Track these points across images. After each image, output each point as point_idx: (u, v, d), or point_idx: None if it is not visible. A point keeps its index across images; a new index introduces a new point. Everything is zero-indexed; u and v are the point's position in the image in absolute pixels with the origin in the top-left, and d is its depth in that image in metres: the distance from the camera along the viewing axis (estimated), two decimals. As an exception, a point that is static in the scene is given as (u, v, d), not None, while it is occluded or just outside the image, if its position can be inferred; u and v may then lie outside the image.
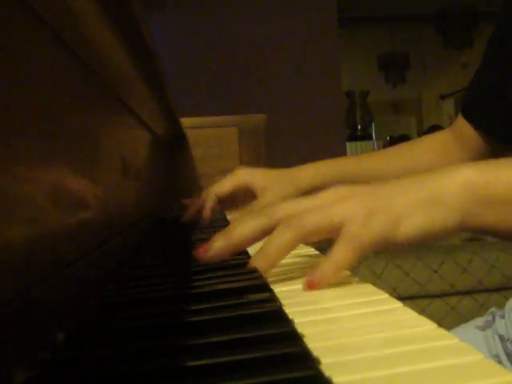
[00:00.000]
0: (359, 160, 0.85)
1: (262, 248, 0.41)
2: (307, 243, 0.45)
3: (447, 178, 0.41)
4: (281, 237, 0.40)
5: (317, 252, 0.53)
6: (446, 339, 0.25)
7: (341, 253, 0.38)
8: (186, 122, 1.06)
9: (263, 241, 0.42)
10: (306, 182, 0.79)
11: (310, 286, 0.37)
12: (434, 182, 0.41)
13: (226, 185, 0.78)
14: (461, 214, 0.41)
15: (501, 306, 0.78)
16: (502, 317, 0.75)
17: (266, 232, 0.42)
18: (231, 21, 2.49)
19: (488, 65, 0.75)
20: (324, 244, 0.44)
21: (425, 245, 2.54)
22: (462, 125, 0.79)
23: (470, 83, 0.79)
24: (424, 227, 0.40)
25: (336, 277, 0.38)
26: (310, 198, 0.45)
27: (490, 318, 0.77)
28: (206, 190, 0.80)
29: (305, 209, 0.42)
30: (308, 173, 0.80)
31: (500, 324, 0.74)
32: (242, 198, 0.80)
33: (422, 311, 2.12)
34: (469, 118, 0.77)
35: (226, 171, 1.12)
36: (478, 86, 0.77)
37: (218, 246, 0.42)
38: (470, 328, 0.77)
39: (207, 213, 0.78)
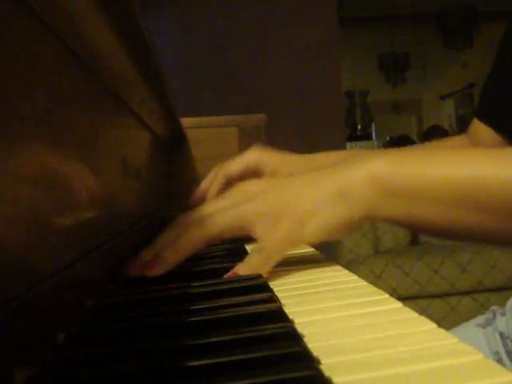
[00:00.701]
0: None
1: (172, 242, 0.45)
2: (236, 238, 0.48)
3: (354, 171, 0.43)
4: (193, 233, 0.44)
5: (317, 252, 0.53)
6: (446, 339, 0.25)
7: (255, 259, 0.42)
8: (186, 122, 1.06)
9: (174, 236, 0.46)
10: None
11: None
12: (342, 174, 0.43)
13: (236, 166, 0.72)
14: (366, 206, 0.42)
15: (502, 305, 0.78)
16: (503, 314, 0.75)
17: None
18: (231, 20, 2.49)
19: (503, 64, 0.73)
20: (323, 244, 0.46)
21: (425, 245, 2.54)
22: (477, 129, 0.76)
23: (484, 85, 0.77)
24: (329, 224, 0.42)
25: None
26: (223, 198, 0.49)
27: (490, 315, 0.77)
28: (214, 170, 0.73)
29: (218, 209, 0.46)
30: (332, 159, 0.75)
31: (501, 321, 0.74)
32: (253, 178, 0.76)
33: (422, 311, 2.12)
34: (485, 120, 0.74)
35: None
36: (493, 87, 0.75)
37: (168, 259, 0.44)
38: (471, 326, 0.77)
39: (213, 194, 0.71)
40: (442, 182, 0.40)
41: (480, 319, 0.78)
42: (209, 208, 0.48)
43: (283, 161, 0.73)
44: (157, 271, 0.43)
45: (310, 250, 0.55)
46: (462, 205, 0.40)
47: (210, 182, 0.72)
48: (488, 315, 0.77)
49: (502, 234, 0.42)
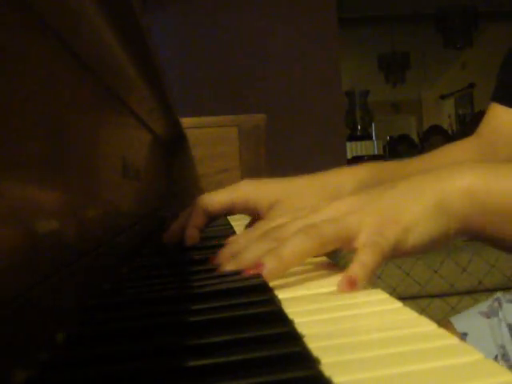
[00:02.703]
0: (396, 166, 0.73)
1: (275, 249, 0.40)
2: (319, 254, 0.43)
3: (451, 184, 0.41)
4: (299, 242, 0.40)
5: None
6: (446, 339, 0.25)
7: (368, 256, 0.38)
8: (186, 122, 1.06)
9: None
10: (347, 187, 0.64)
11: (348, 285, 0.36)
12: (439, 186, 0.42)
13: (218, 203, 0.59)
14: (462, 220, 0.41)
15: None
16: (511, 301, 0.73)
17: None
18: (231, 20, 2.49)
19: None
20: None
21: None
22: (497, 116, 0.73)
23: (500, 70, 0.75)
24: (430, 236, 0.41)
25: (367, 279, 0.37)
26: (323, 210, 0.45)
27: (495, 304, 0.75)
28: (194, 203, 0.61)
29: (320, 220, 0.42)
30: (343, 178, 0.67)
31: (508, 311, 0.72)
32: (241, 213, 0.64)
33: (422, 311, 2.12)
34: (507, 102, 0.71)
35: (226, 171, 1.12)
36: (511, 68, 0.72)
37: (273, 269, 0.39)
38: (474, 315, 0.75)
39: (190, 233, 0.57)
40: None
41: (483, 306, 0.75)
42: (302, 218, 0.44)
43: (286, 190, 0.63)
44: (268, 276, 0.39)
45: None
46: None
47: (188, 215, 0.59)
48: (493, 303, 0.75)
49: None
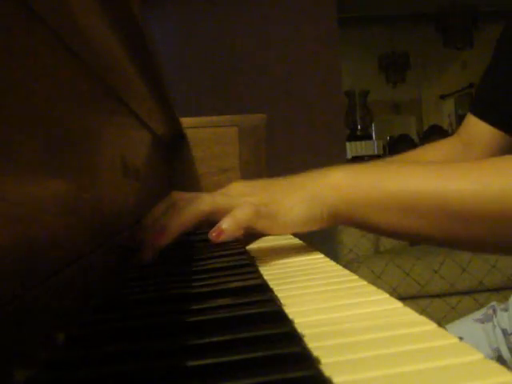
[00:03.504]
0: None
1: (175, 214, 0.52)
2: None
3: (322, 180, 0.52)
4: (191, 208, 0.53)
5: (318, 252, 0.53)
6: (446, 339, 0.25)
7: (237, 212, 0.51)
8: (185, 122, 1.06)
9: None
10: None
11: (217, 236, 0.50)
12: (314, 183, 0.53)
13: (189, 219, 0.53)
14: (332, 209, 0.52)
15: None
16: (505, 310, 0.74)
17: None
18: (231, 20, 2.49)
19: (500, 59, 0.74)
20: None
21: (425, 245, 2.54)
22: (472, 125, 0.78)
23: (480, 80, 0.79)
24: (303, 217, 0.52)
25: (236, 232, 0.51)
26: (227, 190, 0.58)
27: (490, 311, 0.76)
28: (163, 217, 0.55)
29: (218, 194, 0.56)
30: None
31: (502, 317, 0.73)
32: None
33: (422, 311, 2.12)
34: (481, 115, 0.77)
35: (226, 171, 1.12)
36: (490, 82, 0.76)
37: (172, 229, 0.51)
38: (469, 321, 0.77)
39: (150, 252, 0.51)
40: (386, 195, 0.49)
41: (477, 314, 0.77)
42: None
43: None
44: (164, 241, 0.50)
45: (310, 249, 0.55)
46: (403, 213, 0.49)
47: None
48: (487, 311, 0.77)
49: (442, 237, 0.50)
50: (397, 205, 0.49)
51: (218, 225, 0.50)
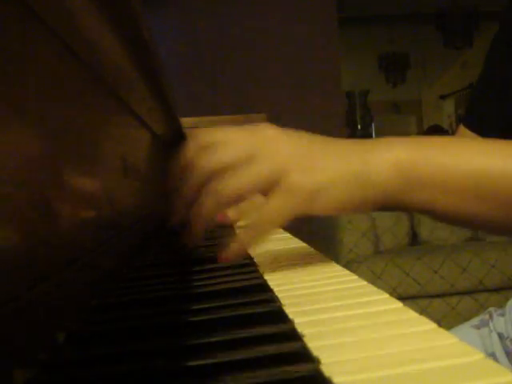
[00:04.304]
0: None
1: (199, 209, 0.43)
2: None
3: (378, 156, 0.43)
4: (216, 200, 0.42)
5: (317, 252, 0.53)
6: (446, 339, 0.25)
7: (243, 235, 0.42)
8: (186, 122, 1.06)
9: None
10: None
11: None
12: (365, 157, 0.43)
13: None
14: (384, 191, 0.43)
15: (502, 305, 0.77)
16: (502, 315, 0.75)
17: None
18: (231, 21, 2.49)
19: (489, 73, 0.74)
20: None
21: (425, 245, 2.54)
22: (464, 136, 0.77)
23: (472, 92, 0.78)
24: (340, 201, 0.42)
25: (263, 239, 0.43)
26: (236, 144, 0.45)
27: (486, 316, 0.77)
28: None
29: (231, 164, 0.43)
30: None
31: (498, 322, 0.74)
32: None
33: (422, 311, 2.12)
34: (472, 128, 0.75)
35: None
36: (481, 94, 0.76)
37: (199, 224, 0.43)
38: (466, 328, 0.77)
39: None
40: (462, 175, 0.42)
41: (475, 320, 0.78)
42: (220, 152, 0.44)
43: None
44: (192, 240, 0.44)
45: (310, 249, 0.55)
46: (479, 196, 0.42)
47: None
48: (484, 316, 0.77)
49: None
50: (474, 187, 0.42)
51: (222, 255, 0.43)
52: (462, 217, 0.44)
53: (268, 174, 0.42)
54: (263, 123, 0.47)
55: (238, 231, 0.43)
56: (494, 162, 0.42)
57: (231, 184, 0.42)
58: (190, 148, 0.46)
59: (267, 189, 0.42)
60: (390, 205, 0.44)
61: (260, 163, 0.42)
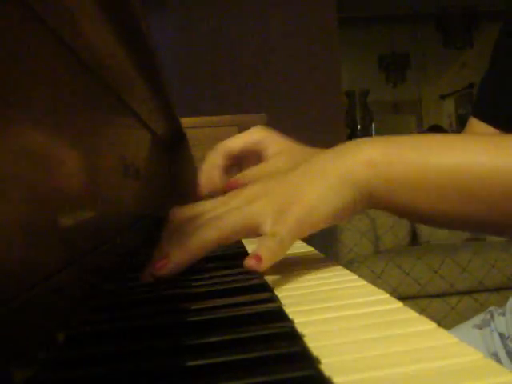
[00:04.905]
0: None
1: (181, 240, 0.42)
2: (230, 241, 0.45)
3: (352, 156, 0.43)
4: (204, 234, 0.42)
5: (317, 252, 0.53)
6: (446, 339, 0.25)
7: (271, 242, 0.41)
8: (185, 121, 1.06)
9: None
10: None
11: (255, 262, 0.40)
12: (340, 161, 0.43)
13: (236, 143, 0.64)
14: (366, 190, 0.42)
15: (502, 305, 0.77)
16: (502, 314, 0.75)
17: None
18: (231, 21, 2.49)
19: (499, 62, 0.74)
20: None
21: (424, 245, 2.54)
22: (474, 128, 0.76)
23: (480, 82, 0.78)
24: (335, 208, 0.42)
25: (271, 262, 0.41)
26: (222, 202, 0.47)
27: (487, 316, 0.76)
28: (212, 151, 0.64)
29: (222, 211, 0.45)
30: None
31: (500, 322, 0.74)
32: (251, 162, 0.66)
33: (422, 311, 2.12)
34: (482, 117, 0.74)
35: (225, 171, 1.12)
36: (491, 83, 0.75)
37: (179, 261, 0.42)
38: (467, 327, 0.77)
39: (217, 180, 0.63)
40: (438, 171, 0.41)
41: (476, 320, 0.78)
42: (209, 207, 0.47)
43: (287, 147, 0.65)
44: (166, 272, 0.41)
45: (310, 249, 0.55)
46: (457, 194, 0.41)
47: (211, 166, 0.64)
48: (485, 316, 0.77)
49: (500, 224, 0.42)
50: (453, 185, 0.40)
51: (253, 256, 0.40)
52: (448, 218, 0.43)
53: (263, 210, 0.43)
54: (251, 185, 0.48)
55: (260, 239, 0.43)
56: (480, 158, 0.40)
57: (230, 216, 0.43)
58: (177, 219, 0.48)
59: (261, 225, 0.43)
60: (377, 205, 0.44)
61: (255, 203, 0.44)
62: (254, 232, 0.43)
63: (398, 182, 0.41)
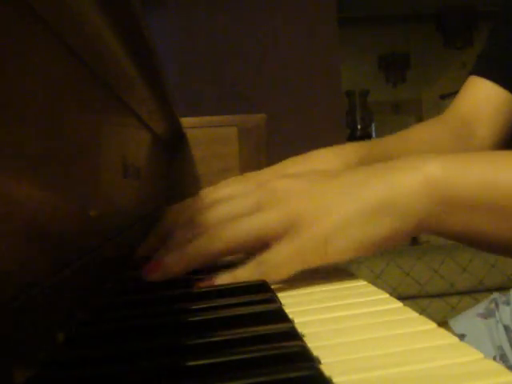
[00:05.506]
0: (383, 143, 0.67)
1: (180, 246, 0.39)
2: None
3: (404, 177, 0.36)
4: (208, 245, 0.38)
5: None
6: (446, 339, 0.25)
7: (245, 273, 0.38)
8: (186, 122, 1.06)
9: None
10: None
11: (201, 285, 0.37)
12: (387, 183, 0.36)
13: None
14: (417, 218, 0.36)
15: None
16: (506, 303, 0.74)
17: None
18: (231, 20, 2.49)
19: (505, 21, 0.70)
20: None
21: (424, 245, 2.54)
22: (475, 92, 0.70)
23: (484, 46, 0.74)
24: (362, 242, 0.36)
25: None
26: (241, 196, 0.41)
27: (492, 305, 0.75)
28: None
29: (236, 213, 0.39)
30: (328, 162, 0.60)
31: (504, 312, 0.73)
32: None
33: (422, 311, 2.12)
34: (487, 75, 0.70)
35: (225, 171, 1.12)
36: (497, 41, 0.71)
37: (171, 269, 0.39)
38: (472, 316, 0.76)
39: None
40: (506, 195, 0.35)
41: (481, 308, 0.76)
42: (223, 205, 0.41)
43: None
44: (156, 278, 0.38)
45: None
46: None
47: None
48: (489, 304, 0.76)
49: None
50: None
51: (211, 280, 0.38)
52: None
53: (276, 223, 0.37)
54: (272, 176, 0.42)
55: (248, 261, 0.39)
56: None
57: (237, 227, 0.38)
58: (192, 205, 0.42)
59: (272, 239, 0.37)
60: (431, 231, 0.37)
61: (268, 212, 0.38)
62: (262, 243, 0.38)
63: (460, 204, 0.35)
